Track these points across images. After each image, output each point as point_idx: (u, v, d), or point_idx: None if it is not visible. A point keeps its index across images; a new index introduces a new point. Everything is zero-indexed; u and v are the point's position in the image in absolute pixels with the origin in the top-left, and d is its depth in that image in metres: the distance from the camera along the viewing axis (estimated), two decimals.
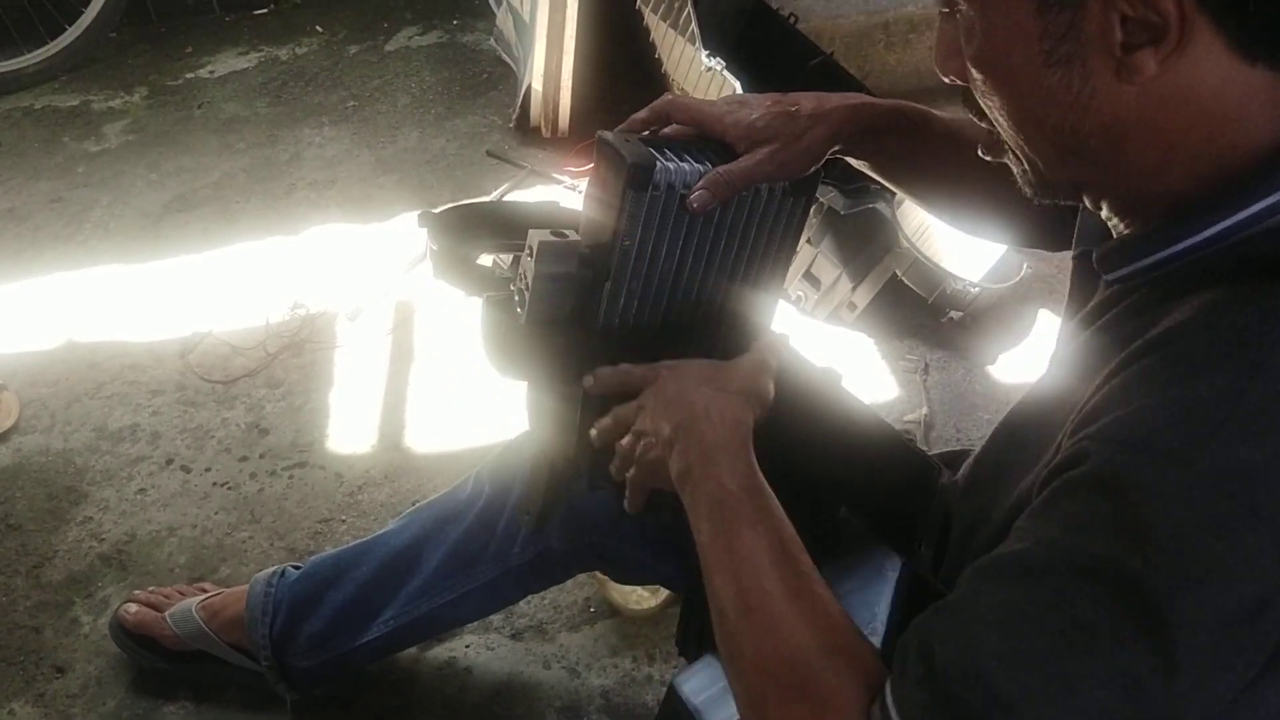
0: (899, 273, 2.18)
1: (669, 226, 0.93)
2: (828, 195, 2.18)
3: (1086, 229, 0.85)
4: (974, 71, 0.72)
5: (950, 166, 1.02)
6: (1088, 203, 0.77)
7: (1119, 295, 0.74)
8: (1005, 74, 0.70)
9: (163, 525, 1.82)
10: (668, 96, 0.99)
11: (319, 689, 1.52)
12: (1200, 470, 0.58)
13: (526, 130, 2.80)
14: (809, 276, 2.26)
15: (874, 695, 0.68)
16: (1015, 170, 0.77)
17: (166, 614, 1.55)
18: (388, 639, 1.41)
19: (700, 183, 0.91)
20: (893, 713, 0.65)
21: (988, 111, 0.74)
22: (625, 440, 0.94)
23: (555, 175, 2.63)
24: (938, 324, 2.24)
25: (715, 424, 0.88)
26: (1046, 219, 1.01)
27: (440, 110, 2.93)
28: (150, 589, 1.64)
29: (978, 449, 0.91)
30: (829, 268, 2.22)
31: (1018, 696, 0.60)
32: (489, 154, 2.74)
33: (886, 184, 1.09)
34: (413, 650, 1.62)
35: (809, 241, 2.22)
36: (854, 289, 2.22)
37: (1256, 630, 0.58)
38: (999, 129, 0.75)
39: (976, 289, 2.15)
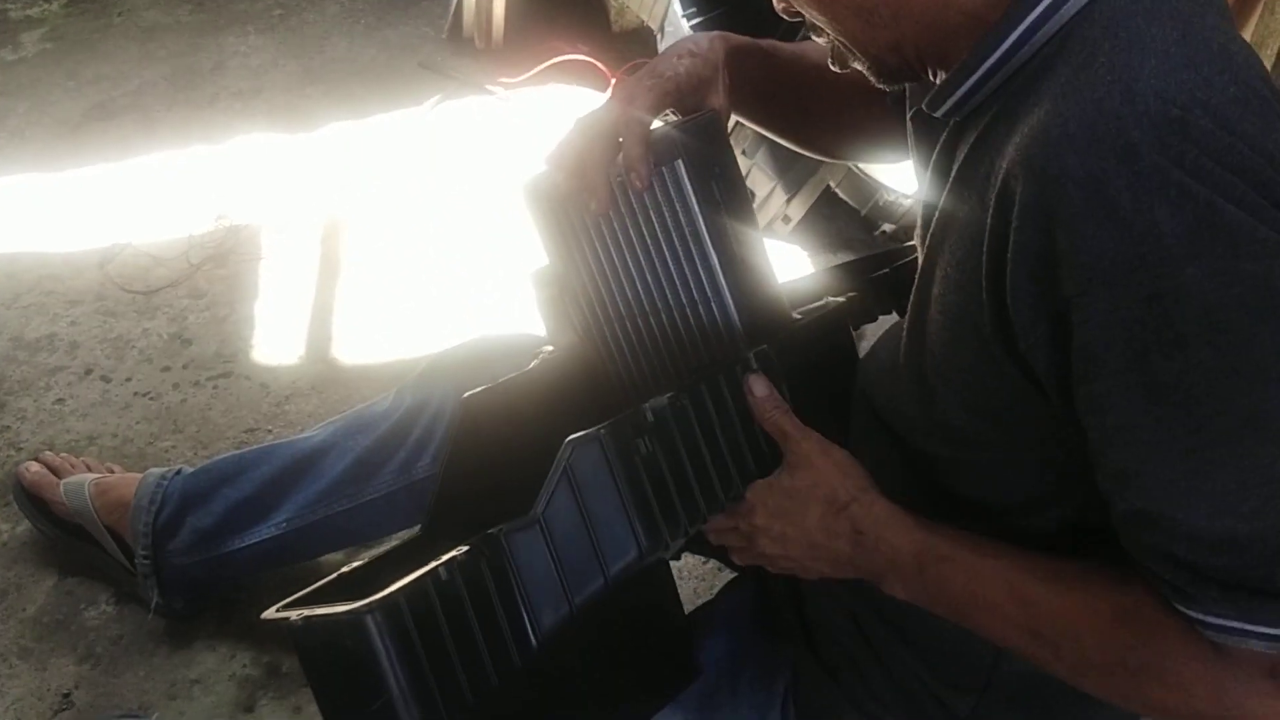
0: (833, 184, 2.17)
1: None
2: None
3: (914, 95, 0.89)
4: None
5: (804, 90, 1.05)
6: (916, 70, 0.82)
7: (959, 127, 0.79)
8: None
9: (82, 435, 1.79)
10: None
11: (186, 597, 1.47)
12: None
13: (459, 41, 2.73)
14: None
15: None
16: (861, 67, 0.83)
17: (62, 482, 1.54)
18: (274, 544, 1.38)
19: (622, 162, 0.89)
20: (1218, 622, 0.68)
21: (816, 24, 0.81)
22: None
23: (488, 87, 2.58)
24: (870, 237, 2.24)
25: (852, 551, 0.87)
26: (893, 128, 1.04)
27: (370, 20, 2.85)
28: (61, 455, 1.63)
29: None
30: (764, 180, 2.21)
31: None
32: (421, 65, 2.68)
33: (750, 122, 1.09)
34: (292, 572, 1.47)
35: (743, 153, 2.21)
36: (788, 201, 2.22)
37: None
38: (827, 31, 0.81)
39: (909, 200, 2.15)
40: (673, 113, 0.96)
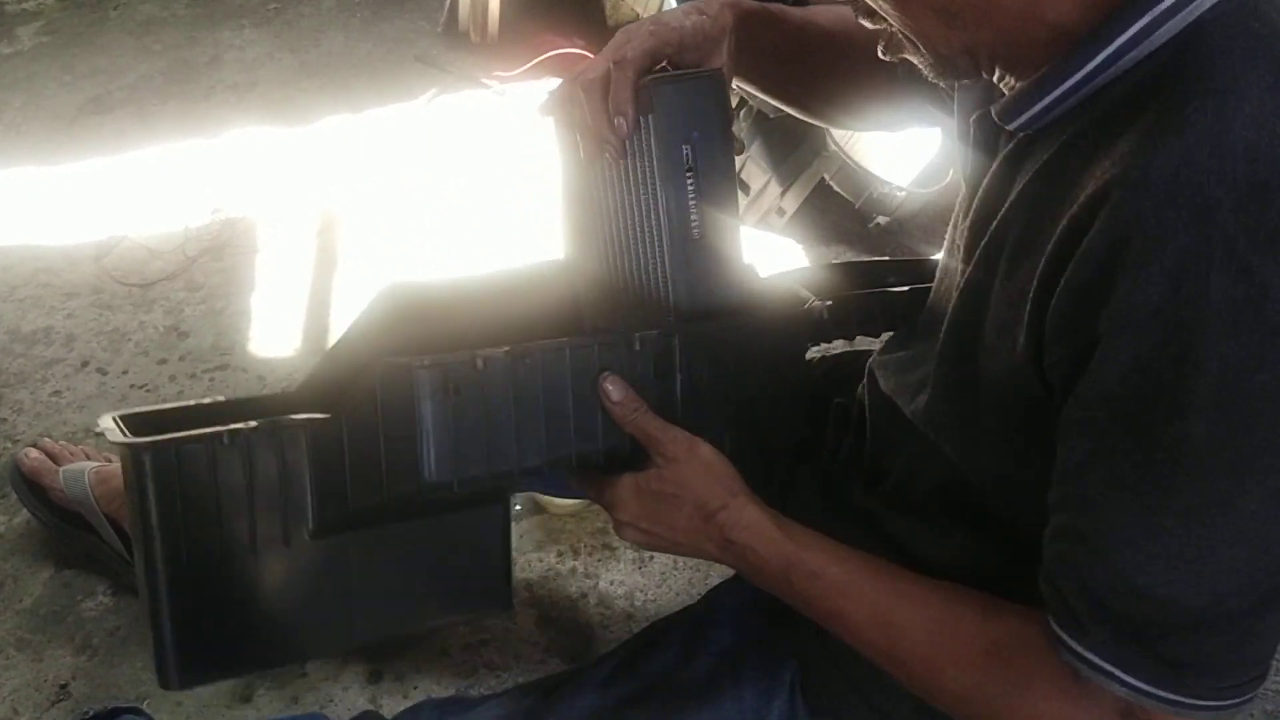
0: (827, 177, 2.17)
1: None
2: (756, 99, 2.16)
3: (966, 102, 0.86)
4: None
5: (812, 57, 1.03)
6: (984, 73, 0.78)
7: (1029, 139, 0.76)
8: None
9: (79, 426, 1.79)
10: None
11: None
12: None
13: (455, 35, 2.74)
14: (738, 181, 2.25)
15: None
16: (917, 60, 0.79)
17: (61, 469, 1.54)
18: None
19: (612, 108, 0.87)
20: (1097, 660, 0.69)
21: (877, 8, 0.76)
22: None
23: (484, 81, 2.58)
24: (865, 230, 2.25)
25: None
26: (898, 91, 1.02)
27: (366, 14, 2.85)
28: (60, 442, 1.63)
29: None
30: (758, 172, 2.21)
31: None
32: (416, 59, 2.68)
33: (751, 85, 1.07)
34: None
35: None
36: (783, 194, 2.22)
37: None
38: (891, 22, 0.76)
39: (903, 193, 2.16)
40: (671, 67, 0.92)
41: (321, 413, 0.85)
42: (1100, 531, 0.68)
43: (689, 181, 0.86)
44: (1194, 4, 0.66)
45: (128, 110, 2.50)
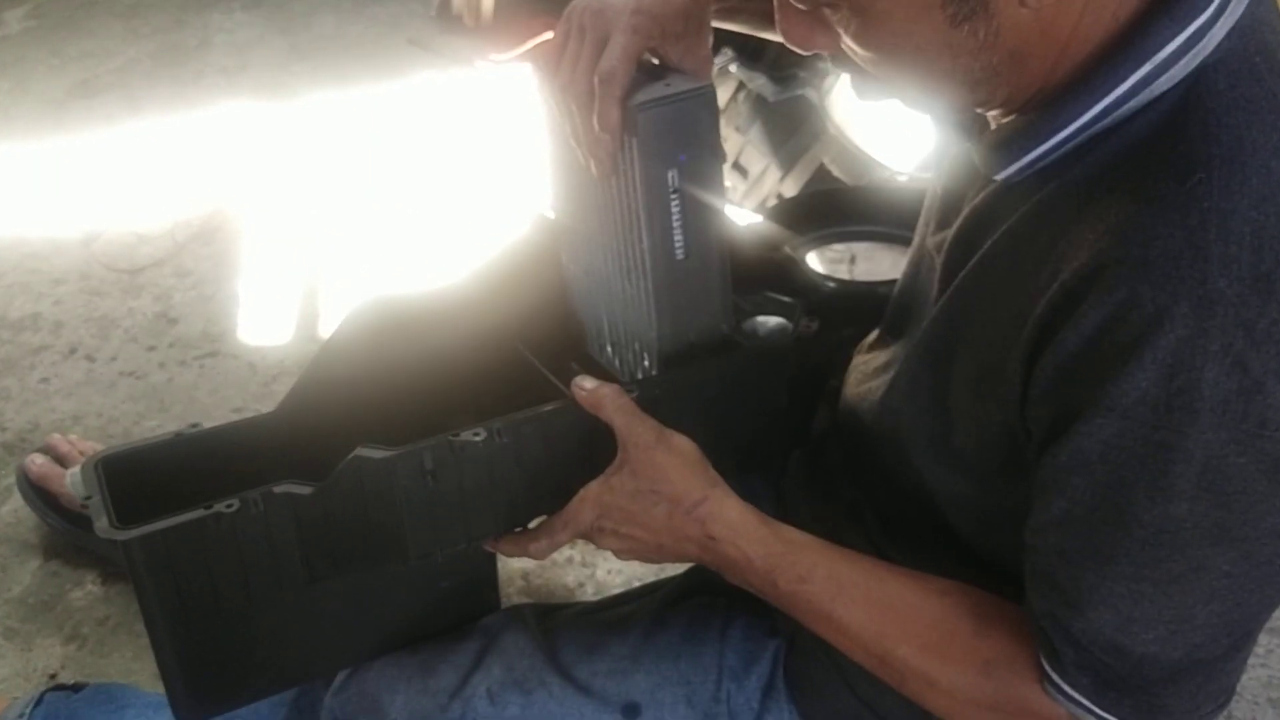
0: (826, 161, 2.15)
1: None
2: (756, 83, 2.13)
3: (943, 131, 0.82)
4: (870, 55, 0.68)
5: None
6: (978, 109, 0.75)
7: (1003, 195, 0.73)
8: (910, 52, 0.67)
9: (67, 414, 1.76)
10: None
11: None
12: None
13: (448, 18, 2.71)
14: (737, 166, 2.23)
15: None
16: (908, 105, 0.75)
17: (68, 471, 1.51)
18: None
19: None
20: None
21: (884, 84, 0.71)
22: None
23: (477, 64, 2.56)
24: None
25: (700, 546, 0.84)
26: None
27: None
28: (70, 439, 1.59)
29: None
30: (757, 157, 2.19)
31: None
32: (409, 41, 2.65)
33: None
34: None
35: (737, 129, 2.18)
36: (782, 178, 2.20)
37: None
38: (896, 92, 0.73)
39: (904, 178, 2.13)
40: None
41: (304, 443, 0.87)
42: (1078, 589, 0.68)
43: (674, 204, 0.84)
44: (1197, 48, 0.63)
45: (116, 94, 2.47)
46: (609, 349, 0.97)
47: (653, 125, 0.81)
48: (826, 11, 0.67)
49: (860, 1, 0.65)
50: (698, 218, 0.85)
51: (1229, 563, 0.65)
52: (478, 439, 0.82)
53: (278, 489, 0.80)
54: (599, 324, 0.97)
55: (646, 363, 0.92)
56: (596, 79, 0.80)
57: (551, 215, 0.99)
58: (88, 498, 0.84)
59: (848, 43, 0.69)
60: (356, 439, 0.83)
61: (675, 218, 0.84)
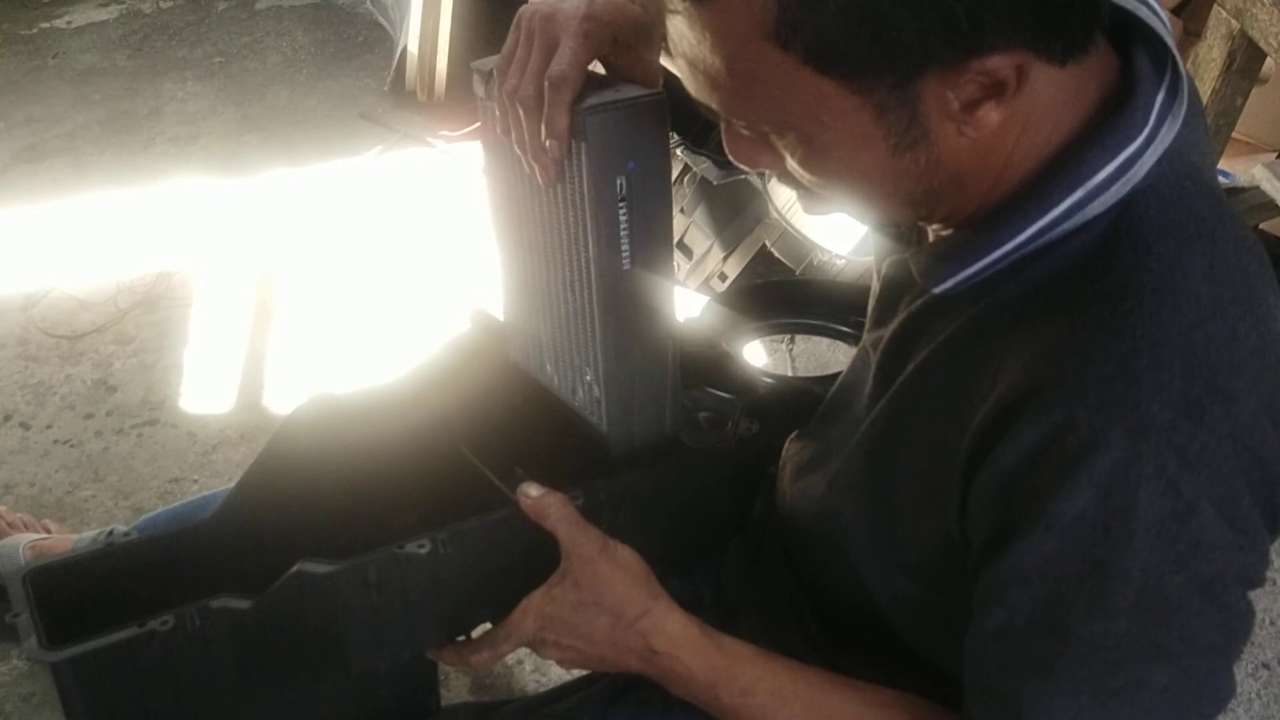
0: (769, 244, 2.20)
1: None
2: (701, 166, 2.18)
3: (880, 238, 0.85)
4: (814, 179, 0.71)
5: None
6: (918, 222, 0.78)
7: (938, 304, 0.75)
8: (854, 176, 0.69)
9: None
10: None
11: None
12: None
13: (401, 94, 2.74)
14: (681, 246, 2.27)
15: None
16: (850, 217, 0.78)
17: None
18: None
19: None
20: None
21: (825, 201, 0.74)
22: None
23: (429, 140, 2.59)
24: None
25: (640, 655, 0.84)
26: None
27: (312, 70, 2.85)
28: (0, 509, 1.56)
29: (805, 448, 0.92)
30: (701, 238, 2.23)
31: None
32: (362, 116, 2.68)
33: None
34: None
35: (682, 211, 2.23)
36: (725, 259, 2.24)
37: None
38: (839, 209, 0.75)
39: (843, 261, 2.18)
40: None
41: (244, 547, 0.85)
42: (1019, 700, 0.69)
43: (622, 213, 0.81)
44: (1128, 175, 0.66)
45: (63, 159, 2.46)
46: (548, 366, 0.94)
47: (602, 130, 0.78)
48: (772, 137, 0.69)
49: (806, 131, 0.66)
50: (646, 228, 0.83)
51: (1167, 677, 0.66)
52: (422, 550, 0.81)
53: (214, 603, 0.77)
54: (538, 341, 0.94)
55: (589, 377, 0.89)
56: (546, 83, 0.77)
57: (492, 309, 0.99)
58: (15, 614, 0.79)
59: (793, 165, 0.70)
60: (297, 543, 0.81)
61: (623, 227, 0.82)
